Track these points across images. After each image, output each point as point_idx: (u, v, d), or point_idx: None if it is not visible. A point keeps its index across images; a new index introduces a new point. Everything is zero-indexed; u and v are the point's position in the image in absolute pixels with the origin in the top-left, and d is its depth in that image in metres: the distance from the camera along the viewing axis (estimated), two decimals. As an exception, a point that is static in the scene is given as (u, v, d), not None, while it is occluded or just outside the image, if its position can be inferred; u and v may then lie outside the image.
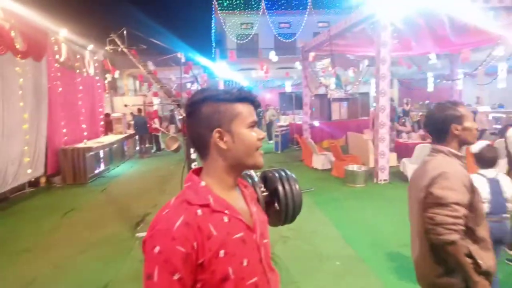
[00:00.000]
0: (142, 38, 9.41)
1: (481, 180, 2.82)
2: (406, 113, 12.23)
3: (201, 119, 1.06)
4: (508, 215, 2.82)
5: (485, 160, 2.91)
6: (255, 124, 1.10)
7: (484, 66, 10.99)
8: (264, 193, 2.89)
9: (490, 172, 2.89)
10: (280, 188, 2.99)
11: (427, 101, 18.49)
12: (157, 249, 0.95)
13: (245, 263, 1.03)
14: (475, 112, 11.29)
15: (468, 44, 11.47)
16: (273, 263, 3.82)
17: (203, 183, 1.07)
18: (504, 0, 7.84)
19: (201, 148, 1.09)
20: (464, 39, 10.22)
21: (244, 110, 1.08)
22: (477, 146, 2.94)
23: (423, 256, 1.77)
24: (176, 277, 0.93)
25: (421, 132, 10.11)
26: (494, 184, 2.84)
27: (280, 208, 2.92)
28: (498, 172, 2.93)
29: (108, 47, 10.53)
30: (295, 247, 4.64)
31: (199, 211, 1.00)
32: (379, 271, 3.90)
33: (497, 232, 2.63)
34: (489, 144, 3.02)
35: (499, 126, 12.10)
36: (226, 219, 1.03)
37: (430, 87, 18.75)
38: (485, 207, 2.67)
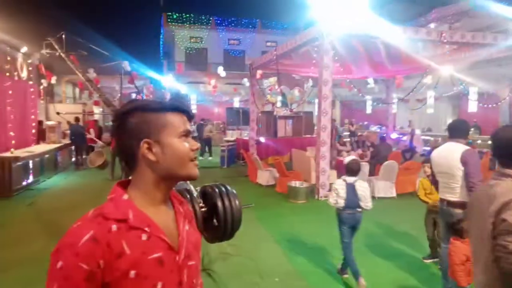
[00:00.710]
0: (84, 44, 8.99)
1: (341, 183, 3.95)
2: (352, 133, 12.81)
3: (129, 130, 1.01)
4: (360, 209, 3.92)
5: (351, 169, 3.96)
6: (189, 134, 1.05)
7: (415, 92, 11.95)
8: (203, 209, 2.84)
9: (351, 179, 3.91)
10: (219, 203, 2.94)
11: (366, 122, 19.65)
12: (59, 264, 0.88)
13: (159, 286, 0.95)
14: (412, 134, 12.20)
15: (401, 71, 12.47)
16: (211, 280, 3.71)
17: (125, 196, 0.99)
18: (431, 33, 8.65)
19: (129, 160, 1.03)
20: (398, 66, 11.09)
21: (175, 119, 1.03)
22: (347, 159, 4.09)
23: (490, 283, 1.69)
24: None
25: (360, 151, 10.65)
26: (350, 187, 3.88)
27: (218, 224, 2.87)
28: (357, 179, 3.93)
29: (44, 51, 9.91)
30: (235, 263, 4.58)
31: (114, 227, 0.93)
32: (317, 286, 3.97)
33: (352, 220, 3.98)
34: (355, 158, 4.19)
35: (427, 148, 13.17)
36: (144, 237, 0.95)
37: (369, 109, 20.01)
38: (342, 203, 3.90)
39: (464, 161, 3.25)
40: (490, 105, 13.19)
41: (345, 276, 4.14)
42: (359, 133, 13.66)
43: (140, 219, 0.96)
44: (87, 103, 20.44)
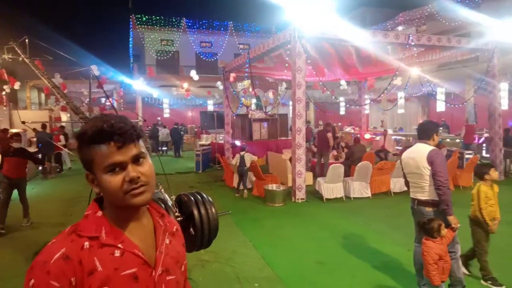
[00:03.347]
0: (48, 49, 8.63)
1: None
2: (336, 138, 12.86)
3: (80, 155, 1.00)
4: None
5: None
6: (118, 165, 0.95)
7: (386, 93, 12.25)
8: (179, 218, 2.75)
9: None
10: (195, 212, 2.87)
11: (339, 123, 19.96)
12: (31, 282, 0.88)
13: None
14: (385, 134, 12.48)
15: (372, 73, 12.77)
16: (189, 290, 3.54)
17: (99, 213, 0.99)
18: (399, 36, 8.88)
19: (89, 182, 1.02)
20: (369, 68, 11.34)
21: (98, 153, 0.95)
22: None
23: None
24: None
25: (334, 152, 10.80)
26: None
27: (195, 233, 2.79)
28: None
29: (6, 56, 9.43)
30: (214, 270, 4.50)
31: (87, 244, 0.93)
32: (296, 290, 3.95)
33: None
34: None
35: (399, 148, 13.52)
36: (117, 253, 0.95)
37: (342, 111, 20.35)
38: None
39: (430, 160, 3.40)
40: (456, 105, 13.72)
41: None
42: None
43: (113, 236, 0.96)
44: (54, 109, 19.70)
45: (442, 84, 13.59)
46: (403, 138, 16.23)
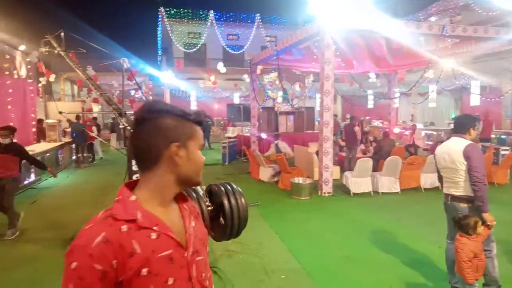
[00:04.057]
0: (82, 41, 8.89)
1: None
2: (365, 132, 12.67)
3: (158, 130, 1.02)
4: None
5: None
6: (202, 148, 1.13)
7: (417, 87, 11.89)
8: (210, 208, 2.78)
9: None
10: (225, 202, 2.90)
11: (367, 117, 19.58)
12: (73, 265, 0.91)
13: (170, 282, 0.99)
14: (414, 129, 12.16)
15: (403, 66, 12.39)
16: (217, 277, 3.68)
17: (133, 198, 1.02)
18: (433, 27, 8.57)
19: (148, 159, 1.03)
20: (400, 61, 11.02)
21: (199, 132, 1.10)
22: None
23: None
24: None
25: (362, 147, 10.62)
26: None
27: (225, 222, 2.82)
28: None
29: (42, 49, 9.77)
30: (240, 261, 4.55)
31: (124, 227, 0.96)
32: (324, 284, 3.94)
33: None
34: None
35: (430, 143, 13.13)
36: (154, 235, 0.99)
37: (370, 104, 19.92)
38: None
39: (467, 155, 3.29)
40: (492, 99, 13.13)
41: None
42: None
43: (149, 219, 0.99)
44: (86, 101, 20.36)
45: (478, 76, 13.02)
46: (434, 133, 15.73)
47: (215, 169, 11.24)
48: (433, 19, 19.45)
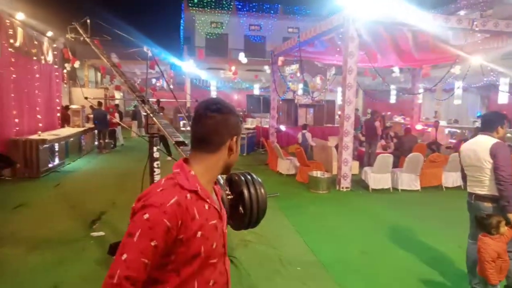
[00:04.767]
0: (107, 28, 9.01)
1: None
2: (386, 128, 12.47)
3: (227, 124, 1.26)
4: None
5: None
6: None
7: (443, 83, 11.57)
8: (229, 196, 2.80)
9: None
10: (245, 191, 2.90)
11: (389, 113, 19.21)
12: (146, 216, 1.09)
13: (214, 246, 1.21)
14: (437, 126, 11.87)
15: (429, 61, 12.06)
16: (233, 266, 3.72)
17: (193, 172, 1.22)
18: (462, 21, 8.28)
19: (214, 144, 1.26)
20: (425, 55, 10.72)
21: (240, 130, 1.34)
22: None
23: None
24: (153, 243, 1.08)
25: (383, 142, 10.45)
26: None
27: (244, 212, 2.83)
28: None
29: (69, 35, 9.96)
30: (256, 251, 4.59)
31: (189, 196, 1.16)
32: (339, 277, 3.93)
33: None
34: None
35: (453, 141, 12.79)
36: (206, 206, 1.20)
37: (393, 99, 19.51)
38: None
39: (493, 153, 3.21)
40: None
41: None
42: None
43: (204, 192, 1.21)
44: (109, 88, 20.74)
45: (507, 73, 12.54)
46: (458, 131, 15.30)
47: (233, 159, 11.29)
48: (462, 13, 18.79)
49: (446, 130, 15.03)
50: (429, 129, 14.28)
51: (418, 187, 7.67)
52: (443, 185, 7.87)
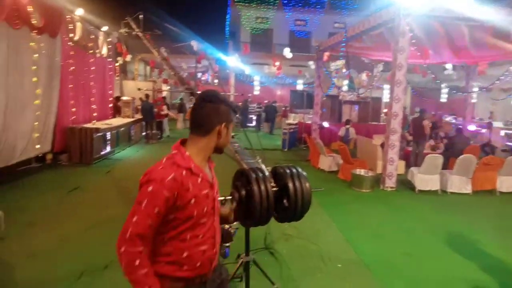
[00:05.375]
0: (157, 23, 9.38)
1: None
2: (434, 125, 11.92)
3: (218, 112, 1.57)
4: None
5: None
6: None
7: (501, 81, 10.84)
8: (274, 189, 2.82)
9: None
10: (290, 184, 2.91)
11: (439, 112, 18.32)
12: (150, 188, 1.42)
13: (204, 210, 1.56)
14: (490, 127, 11.15)
15: (486, 57, 11.30)
16: (274, 259, 3.76)
17: (187, 153, 1.54)
18: (528, 15, 7.67)
19: (204, 129, 1.56)
20: (483, 51, 10.06)
21: (233, 119, 1.64)
22: None
23: None
24: (156, 210, 1.42)
25: (432, 142, 10.00)
26: None
27: (288, 204, 2.84)
28: None
29: (122, 30, 10.51)
30: (297, 245, 4.60)
31: (184, 172, 1.48)
32: (381, 277, 3.85)
33: None
34: None
35: (510, 144, 11.94)
36: (199, 180, 1.53)
37: (443, 98, 18.54)
38: None
39: None
40: None
41: None
42: (430, 124, 12.76)
43: (197, 169, 1.53)
44: (157, 81, 21.50)
45: None
46: (516, 133, 14.25)
47: (275, 154, 11.33)
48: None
49: (502, 132, 14.07)
50: (483, 130, 13.44)
51: (470, 191, 7.27)
52: (498, 190, 7.40)
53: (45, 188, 6.63)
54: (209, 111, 1.55)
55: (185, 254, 1.55)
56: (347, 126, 10.45)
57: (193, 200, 1.49)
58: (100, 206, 5.73)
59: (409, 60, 8.37)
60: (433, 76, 10.25)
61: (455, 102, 19.03)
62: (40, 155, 8.10)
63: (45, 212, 5.38)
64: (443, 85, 16.94)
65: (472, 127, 13.48)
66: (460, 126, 10.88)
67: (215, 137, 1.57)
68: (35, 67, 7.50)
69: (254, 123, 18.86)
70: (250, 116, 18.69)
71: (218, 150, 1.63)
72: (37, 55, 7.55)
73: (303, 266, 4.04)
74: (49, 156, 8.46)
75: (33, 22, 7.17)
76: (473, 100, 14.34)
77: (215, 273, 1.75)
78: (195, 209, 1.50)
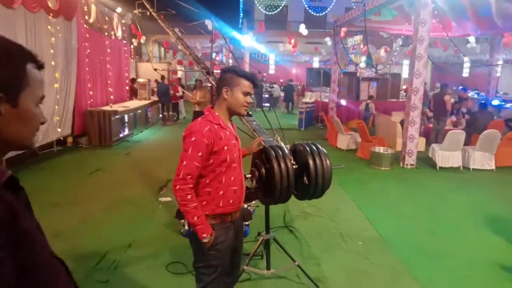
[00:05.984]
0: (171, 2, 9.23)
1: None
2: (460, 100, 11.55)
3: (222, 79, 2.03)
4: None
5: None
6: (248, 94, 2.02)
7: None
8: (294, 166, 2.78)
9: None
10: (310, 162, 2.86)
11: (460, 87, 17.74)
12: (193, 138, 1.88)
13: (235, 155, 2.01)
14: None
15: (513, 28, 10.76)
16: (293, 237, 3.75)
17: (216, 113, 2.01)
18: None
19: (218, 94, 2.03)
20: (510, 22, 9.57)
21: (244, 83, 1.99)
22: None
23: None
24: (199, 154, 1.88)
25: (453, 118, 9.73)
26: None
27: (309, 182, 2.81)
28: None
29: (137, 11, 10.41)
30: (316, 223, 4.59)
31: (216, 126, 1.94)
32: (403, 253, 3.82)
33: None
34: None
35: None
36: (228, 133, 1.99)
37: (466, 72, 17.91)
38: None
39: None
40: None
41: None
42: (452, 100, 12.40)
43: (224, 124, 2.00)
44: (172, 62, 21.46)
45: None
46: (543, 108, 13.71)
47: (291, 134, 11.24)
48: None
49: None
50: (508, 105, 12.98)
51: (493, 167, 7.08)
52: (523, 166, 7.19)
53: (67, 170, 6.80)
54: (219, 80, 2.05)
55: (221, 192, 2.00)
56: (368, 101, 10.34)
57: (226, 147, 1.94)
58: (121, 187, 5.84)
59: (430, 34, 8.06)
60: (456, 49, 9.84)
61: (477, 76, 18.35)
62: (61, 139, 8.26)
63: (68, 193, 5.52)
64: (465, 60, 16.35)
65: (496, 102, 13.02)
66: (483, 101, 10.51)
67: (223, 100, 2.00)
68: (52, 50, 7.55)
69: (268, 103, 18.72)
70: (266, 96, 18.53)
71: (230, 111, 2.03)
72: (54, 38, 7.59)
73: (323, 244, 4.04)
74: (70, 139, 8.63)
75: (49, 5, 7.17)
76: (498, 74, 13.80)
77: (239, 217, 2.22)
78: (227, 154, 1.95)
